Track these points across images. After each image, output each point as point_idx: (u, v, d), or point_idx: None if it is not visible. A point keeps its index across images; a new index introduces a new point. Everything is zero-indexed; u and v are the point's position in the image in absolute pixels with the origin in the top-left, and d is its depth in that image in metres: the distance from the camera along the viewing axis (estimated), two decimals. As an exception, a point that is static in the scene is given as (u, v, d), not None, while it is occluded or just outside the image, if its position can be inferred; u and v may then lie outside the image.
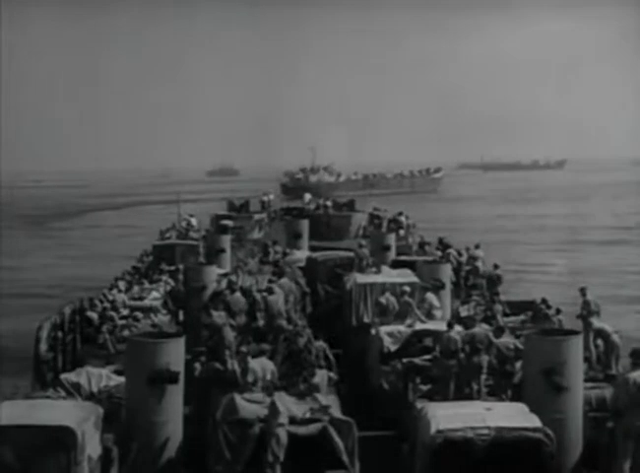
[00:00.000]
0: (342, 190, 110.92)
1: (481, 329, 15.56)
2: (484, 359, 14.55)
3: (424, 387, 14.93)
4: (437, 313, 18.50)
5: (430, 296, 18.96)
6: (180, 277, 22.74)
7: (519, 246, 60.65)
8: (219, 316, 16.52)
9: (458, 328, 15.89)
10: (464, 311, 20.88)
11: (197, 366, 14.69)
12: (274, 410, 11.59)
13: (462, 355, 14.70)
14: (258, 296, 18.07)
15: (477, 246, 27.11)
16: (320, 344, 15.76)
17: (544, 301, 20.19)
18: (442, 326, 15.93)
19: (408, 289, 18.71)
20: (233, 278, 20.67)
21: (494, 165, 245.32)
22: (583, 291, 19.41)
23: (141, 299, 21.67)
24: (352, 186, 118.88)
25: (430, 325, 17.28)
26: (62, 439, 10.29)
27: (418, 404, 12.73)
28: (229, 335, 16.06)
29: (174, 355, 12.50)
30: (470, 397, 14.03)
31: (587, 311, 18.89)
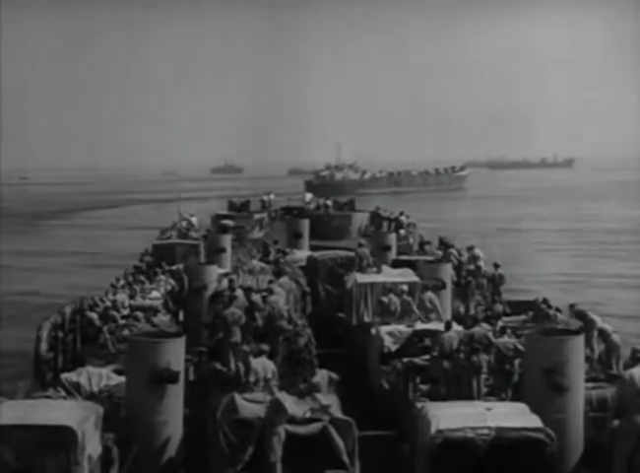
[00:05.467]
0: (367, 188, 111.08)
1: (481, 329, 15.55)
2: (484, 358, 14.53)
3: (424, 387, 14.91)
4: (432, 315, 18.52)
5: (430, 295, 18.96)
6: (181, 276, 22.72)
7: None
8: (232, 314, 16.46)
9: (457, 328, 15.88)
10: (464, 311, 20.90)
11: (189, 366, 14.64)
12: (279, 408, 11.55)
13: (461, 355, 14.69)
14: (257, 296, 18.04)
15: (472, 247, 27.07)
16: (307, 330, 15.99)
17: (544, 300, 20.15)
18: (442, 326, 15.93)
19: (405, 288, 18.74)
20: (234, 277, 20.65)
21: (501, 163, 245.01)
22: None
23: (141, 298, 21.63)
24: (377, 184, 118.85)
25: (431, 325, 17.28)
26: (62, 438, 10.29)
27: (419, 404, 12.71)
28: (237, 335, 16.04)
29: (175, 355, 12.50)
30: (470, 397, 14.01)
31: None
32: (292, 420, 11.53)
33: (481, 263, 25.73)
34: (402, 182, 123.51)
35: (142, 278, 23.90)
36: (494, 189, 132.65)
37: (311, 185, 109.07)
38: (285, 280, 20.47)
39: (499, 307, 20.48)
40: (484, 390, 14.50)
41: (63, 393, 13.34)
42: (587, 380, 13.53)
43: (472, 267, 25.04)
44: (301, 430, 11.49)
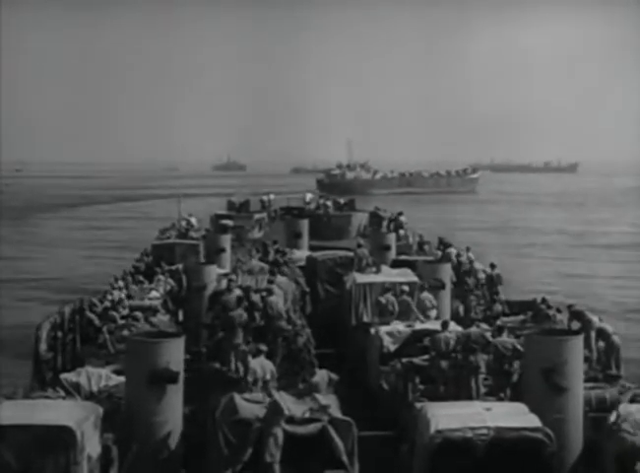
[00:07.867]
0: (378, 188, 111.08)
1: (477, 329, 15.54)
2: (481, 358, 14.53)
3: (424, 387, 14.92)
4: (432, 313, 18.52)
5: (426, 295, 18.96)
6: (180, 277, 22.72)
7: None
8: (239, 316, 16.45)
9: (455, 328, 15.86)
10: (463, 311, 20.90)
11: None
12: (276, 409, 11.55)
13: (459, 355, 14.69)
14: (256, 296, 18.03)
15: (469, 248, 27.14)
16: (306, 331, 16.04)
17: (544, 300, 20.16)
18: (439, 326, 15.93)
19: (406, 288, 18.76)
20: (233, 278, 20.66)
21: (505, 166, 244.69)
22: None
23: (140, 298, 21.63)
24: (389, 184, 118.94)
25: (430, 325, 17.27)
26: (62, 438, 10.30)
27: (418, 404, 12.71)
28: (240, 336, 16.03)
29: (174, 355, 12.49)
30: (469, 397, 14.02)
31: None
32: (292, 420, 11.54)
33: (477, 265, 25.74)
34: (413, 183, 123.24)
35: (141, 278, 23.91)
36: (505, 193, 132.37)
37: (322, 184, 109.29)
38: (283, 280, 20.47)
39: (498, 307, 20.49)
40: (483, 390, 14.50)
41: (62, 393, 13.35)
42: (586, 381, 13.54)
43: (468, 267, 25.08)
44: (301, 430, 11.49)
